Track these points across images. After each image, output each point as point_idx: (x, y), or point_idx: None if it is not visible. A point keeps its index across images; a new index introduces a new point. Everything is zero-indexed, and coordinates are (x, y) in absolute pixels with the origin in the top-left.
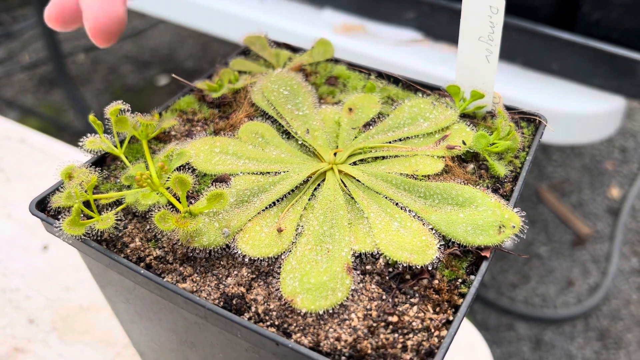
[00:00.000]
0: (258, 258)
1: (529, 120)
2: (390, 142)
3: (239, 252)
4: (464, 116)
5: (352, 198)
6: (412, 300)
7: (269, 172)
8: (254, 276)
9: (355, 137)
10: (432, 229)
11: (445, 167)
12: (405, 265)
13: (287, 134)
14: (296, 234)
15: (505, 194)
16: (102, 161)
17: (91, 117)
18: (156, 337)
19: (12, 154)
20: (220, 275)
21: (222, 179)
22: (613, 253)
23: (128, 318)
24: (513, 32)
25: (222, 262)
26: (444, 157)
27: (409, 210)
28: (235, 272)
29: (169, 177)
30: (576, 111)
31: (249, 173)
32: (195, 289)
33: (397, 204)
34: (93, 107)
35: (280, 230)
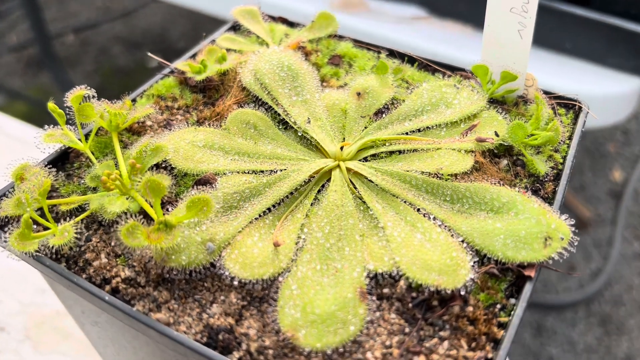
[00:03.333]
0: (250, 280)
1: (566, 107)
2: (407, 134)
3: (227, 273)
4: (491, 102)
5: (364, 202)
6: (441, 333)
7: (262, 171)
8: (245, 303)
9: (365, 128)
10: (462, 241)
11: (474, 163)
12: (432, 289)
13: (284, 124)
14: (296, 249)
15: (547, 196)
16: (64, 157)
17: (50, 105)
18: None
19: None
20: (204, 302)
21: (206, 180)
22: (615, 237)
23: (99, 342)
24: None
25: (205, 285)
26: (473, 151)
27: (434, 218)
28: (222, 298)
29: (142, 178)
30: (590, 93)
31: (238, 172)
32: (172, 320)
33: (418, 209)
34: None
35: (277, 245)
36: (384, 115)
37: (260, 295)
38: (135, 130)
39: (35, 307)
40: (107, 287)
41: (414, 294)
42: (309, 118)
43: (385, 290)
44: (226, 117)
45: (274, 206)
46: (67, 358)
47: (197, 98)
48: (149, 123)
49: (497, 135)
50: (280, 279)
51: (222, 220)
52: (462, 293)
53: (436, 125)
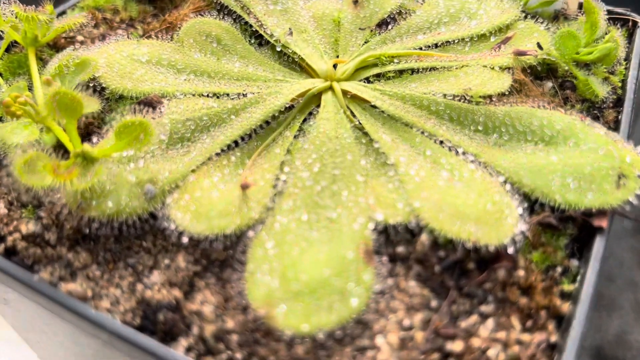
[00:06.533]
0: (206, 236)
1: (616, 22)
2: (420, 49)
3: (173, 227)
4: (524, 17)
5: (366, 134)
6: (483, 308)
7: (227, 94)
8: (199, 268)
9: (366, 42)
10: (505, 181)
11: (512, 84)
12: (467, 245)
13: (257, 39)
14: (274, 194)
15: (607, 125)
16: None
17: None
18: (62, 358)
19: None
20: (140, 267)
21: (149, 102)
22: None
23: (18, 325)
24: None
25: (144, 244)
26: (509, 68)
27: (463, 153)
28: (167, 262)
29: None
30: None
31: (194, 94)
32: (90, 293)
33: (441, 142)
34: None
35: (245, 187)
36: (389, 28)
37: (220, 258)
38: (62, 47)
39: None
40: (1, 246)
41: (441, 253)
42: (290, 29)
43: (400, 249)
44: (179, 28)
45: (242, 139)
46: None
47: (145, 10)
48: (80, 38)
49: (540, 47)
50: (250, 233)
51: (170, 155)
52: (510, 251)
53: (458, 39)
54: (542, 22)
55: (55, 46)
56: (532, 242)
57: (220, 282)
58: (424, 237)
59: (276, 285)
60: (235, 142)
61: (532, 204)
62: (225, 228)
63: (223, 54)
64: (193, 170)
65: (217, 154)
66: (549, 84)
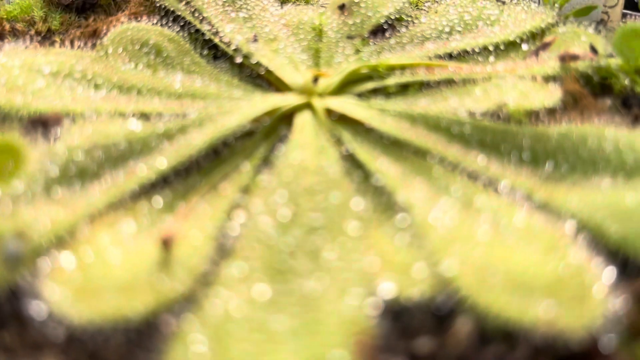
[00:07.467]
0: (98, 327)
1: None
2: (429, 59)
3: (44, 310)
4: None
5: (359, 167)
6: None
7: (161, 114)
8: None
9: (358, 52)
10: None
11: (563, 97)
12: (535, 334)
13: (211, 50)
14: (218, 255)
15: None
16: None
17: None
18: None
19: None
20: None
21: (43, 123)
22: None
23: None
24: None
25: (3, 337)
26: (554, 78)
27: (509, 189)
28: None
29: None
30: None
31: (114, 114)
32: None
33: (469, 175)
34: None
35: (167, 242)
36: (388, 37)
37: None
38: None
39: None
40: None
41: (492, 350)
42: (255, 35)
43: (423, 344)
44: (105, 36)
45: (177, 174)
46: None
47: (70, 20)
48: None
49: (594, 51)
50: (169, 321)
51: (59, 196)
52: (602, 343)
53: (480, 47)
54: (588, 26)
55: None
56: (632, 326)
57: None
58: (462, 323)
59: None
60: (165, 179)
61: (623, 265)
62: (129, 313)
63: (163, 67)
64: (91, 217)
65: (133, 198)
66: (607, 101)
